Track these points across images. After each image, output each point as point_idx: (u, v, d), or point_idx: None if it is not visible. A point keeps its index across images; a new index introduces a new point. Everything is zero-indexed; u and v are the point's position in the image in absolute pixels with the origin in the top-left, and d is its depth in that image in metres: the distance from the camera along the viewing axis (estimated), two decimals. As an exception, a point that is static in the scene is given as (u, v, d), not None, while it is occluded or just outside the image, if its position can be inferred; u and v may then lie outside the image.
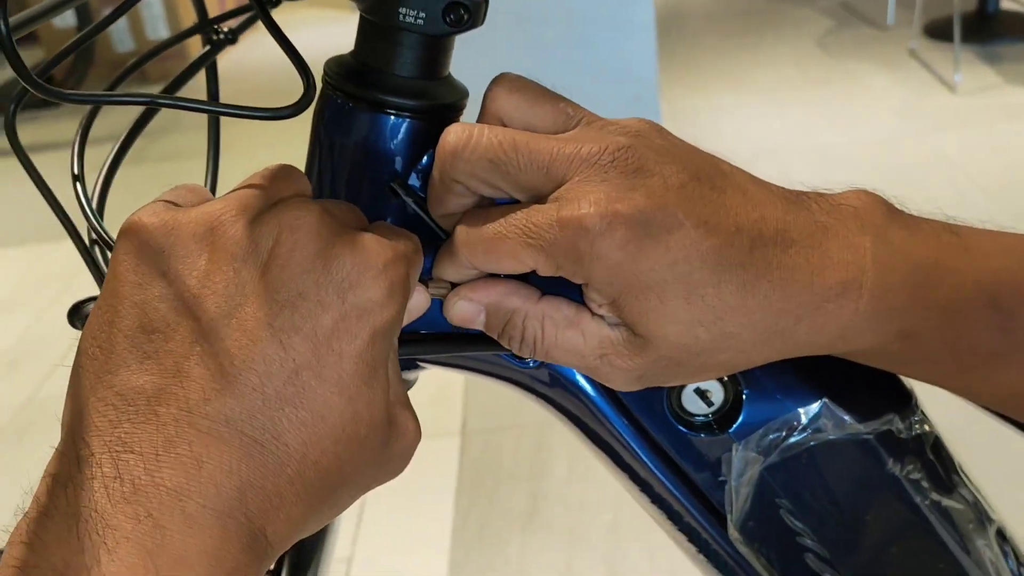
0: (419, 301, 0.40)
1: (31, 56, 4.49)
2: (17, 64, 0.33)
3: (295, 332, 0.33)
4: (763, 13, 4.30)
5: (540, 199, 0.38)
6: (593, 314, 0.39)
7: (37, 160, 0.46)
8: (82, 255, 0.46)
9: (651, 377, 0.40)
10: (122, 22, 4.59)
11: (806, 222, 0.39)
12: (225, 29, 0.50)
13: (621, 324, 0.39)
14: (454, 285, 0.41)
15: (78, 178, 0.46)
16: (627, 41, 2.56)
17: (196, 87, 0.53)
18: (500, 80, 0.41)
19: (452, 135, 0.39)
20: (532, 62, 2.56)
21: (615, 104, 2.65)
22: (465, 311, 0.41)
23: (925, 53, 3.51)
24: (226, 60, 0.52)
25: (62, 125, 3.43)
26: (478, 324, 0.41)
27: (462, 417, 1.97)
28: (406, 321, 0.40)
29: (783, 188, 0.41)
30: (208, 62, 0.50)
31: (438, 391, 2.01)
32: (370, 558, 1.67)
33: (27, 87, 0.34)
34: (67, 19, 4.18)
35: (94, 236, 0.45)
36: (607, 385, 0.42)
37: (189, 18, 0.51)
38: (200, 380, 0.32)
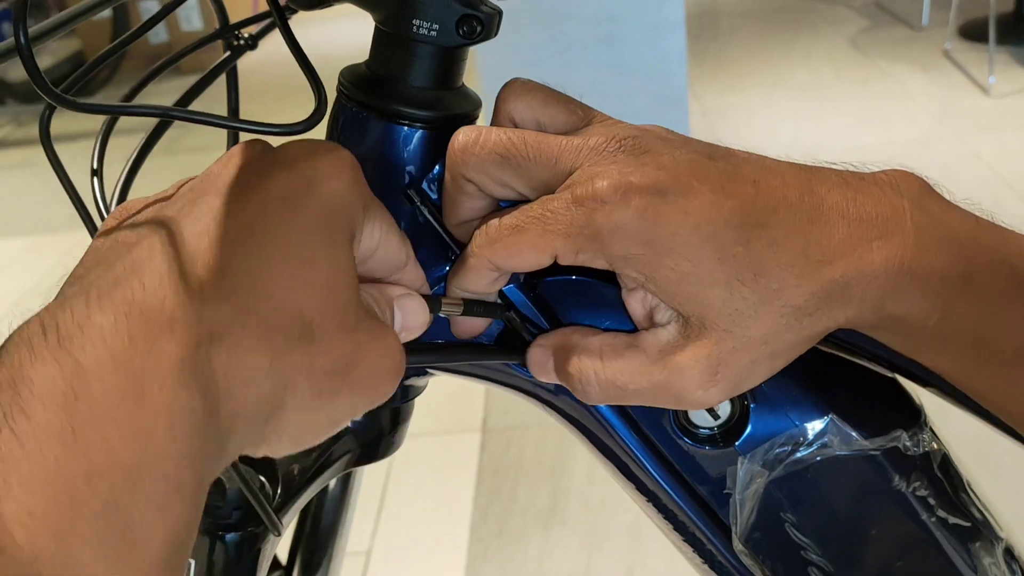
0: (421, 319, 0.39)
1: (68, 46, 4.55)
2: (36, 76, 0.33)
3: (247, 191, 0.33)
4: (797, 12, 4.26)
5: (551, 193, 0.39)
6: (645, 329, 0.39)
7: (62, 151, 0.46)
8: None
9: (728, 371, 0.38)
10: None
11: (835, 187, 0.38)
12: (246, 35, 0.51)
13: (671, 320, 0.39)
14: (466, 304, 0.42)
15: (96, 173, 0.46)
16: (657, 40, 2.55)
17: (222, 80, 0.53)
18: (511, 84, 0.42)
19: (462, 134, 0.40)
20: (563, 61, 2.57)
21: (645, 102, 2.64)
22: (539, 357, 0.42)
23: (959, 54, 3.47)
24: (254, 56, 0.52)
25: (87, 116, 3.47)
26: (552, 376, 0.42)
27: (483, 414, 1.98)
28: (408, 338, 0.39)
29: (807, 164, 0.40)
30: (228, 67, 0.51)
31: (459, 388, 2.02)
32: (388, 552, 1.68)
33: (45, 98, 0.35)
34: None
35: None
36: (687, 405, 0.39)
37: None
38: (156, 245, 0.31)
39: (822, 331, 0.39)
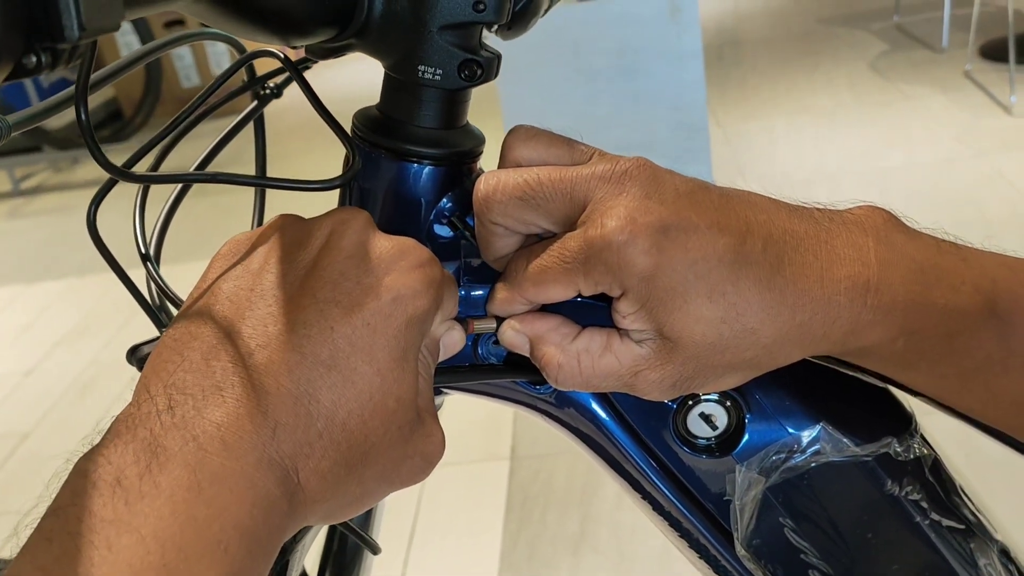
0: (455, 338, 0.44)
1: (101, 95, 4.65)
2: (96, 152, 0.38)
3: (335, 304, 0.38)
4: (817, 37, 4.29)
5: (573, 225, 0.42)
6: (622, 337, 0.43)
7: (88, 196, 0.49)
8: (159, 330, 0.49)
9: (684, 383, 0.43)
10: (188, 58, 4.73)
11: (810, 225, 0.42)
12: (271, 85, 0.55)
13: (648, 338, 0.42)
14: (499, 320, 0.46)
15: (147, 258, 0.49)
16: (677, 70, 2.58)
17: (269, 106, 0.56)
18: (515, 131, 0.45)
19: (482, 183, 0.44)
20: (586, 92, 2.61)
21: (667, 131, 2.67)
22: (513, 339, 0.46)
23: (980, 75, 3.47)
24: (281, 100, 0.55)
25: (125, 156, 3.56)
26: (526, 352, 0.46)
27: (511, 442, 2.00)
28: (443, 356, 0.44)
29: (784, 200, 0.44)
30: (255, 116, 0.55)
31: (487, 417, 2.05)
32: (422, 580, 1.70)
33: (105, 170, 0.39)
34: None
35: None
36: (645, 398, 0.44)
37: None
38: (247, 338, 0.37)
39: (783, 363, 0.43)
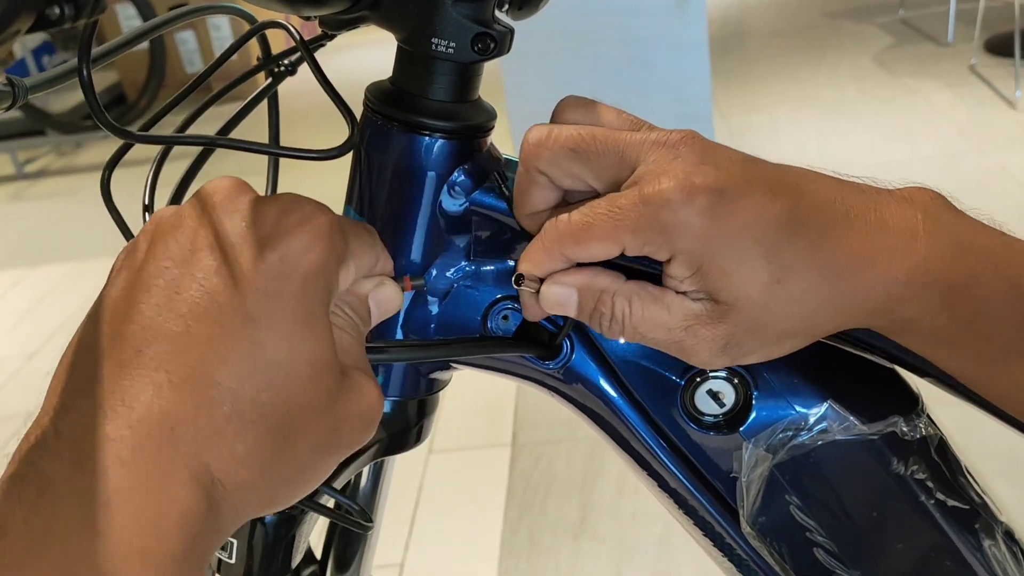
0: (387, 294, 0.42)
1: (105, 79, 4.66)
2: (97, 111, 0.37)
3: (216, 276, 0.35)
4: (823, 30, 4.28)
5: (616, 187, 0.42)
6: (676, 292, 0.42)
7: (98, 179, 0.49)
8: None
9: (734, 347, 0.42)
10: (191, 43, 4.73)
11: (859, 196, 0.42)
12: (286, 63, 0.55)
13: (703, 298, 0.42)
14: (519, 282, 0.44)
15: (148, 209, 0.49)
16: (682, 60, 2.58)
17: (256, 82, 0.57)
18: (567, 99, 0.45)
19: (534, 131, 0.43)
20: (591, 81, 2.61)
21: (670, 121, 2.62)
22: (558, 295, 0.44)
23: (986, 69, 3.47)
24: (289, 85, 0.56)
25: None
26: (570, 308, 0.44)
27: (512, 428, 2.01)
28: (379, 316, 0.42)
29: (832, 173, 0.44)
30: (270, 93, 0.55)
31: (489, 403, 2.05)
32: (421, 565, 1.71)
33: (106, 130, 0.39)
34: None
35: None
36: (691, 362, 0.43)
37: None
38: (132, 336, 0.34)
39: (832, 330, 0.43)
